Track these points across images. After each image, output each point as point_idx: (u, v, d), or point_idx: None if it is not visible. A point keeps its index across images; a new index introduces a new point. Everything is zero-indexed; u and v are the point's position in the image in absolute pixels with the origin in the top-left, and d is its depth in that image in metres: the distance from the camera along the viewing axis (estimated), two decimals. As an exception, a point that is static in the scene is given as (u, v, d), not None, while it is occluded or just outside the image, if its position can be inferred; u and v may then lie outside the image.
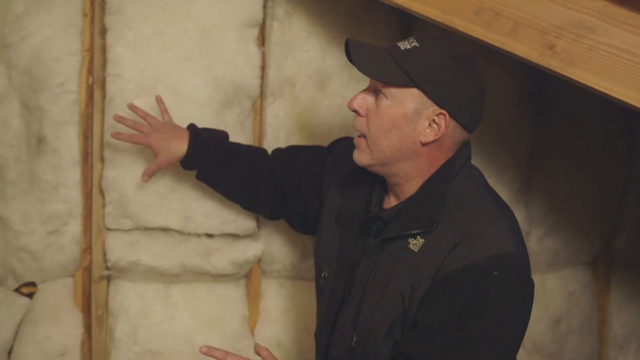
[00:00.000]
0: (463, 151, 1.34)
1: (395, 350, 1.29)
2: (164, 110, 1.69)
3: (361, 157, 1.34)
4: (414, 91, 1.28)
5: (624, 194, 2.23)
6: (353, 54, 1.31)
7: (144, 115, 1.67)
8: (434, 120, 1.29)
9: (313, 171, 1.59)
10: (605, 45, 1.31)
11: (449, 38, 1.80)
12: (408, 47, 1.29)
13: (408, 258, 1.28)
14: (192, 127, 1.66)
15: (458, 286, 1.23)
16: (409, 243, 1.29)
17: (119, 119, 1.66)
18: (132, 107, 1.68)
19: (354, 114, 1.35)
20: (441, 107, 1.28)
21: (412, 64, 1.27)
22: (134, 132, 1.67)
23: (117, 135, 1.66)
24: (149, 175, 1.67)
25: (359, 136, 1.35)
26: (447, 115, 1.28)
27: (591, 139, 2.10)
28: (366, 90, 1.34)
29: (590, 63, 1.32)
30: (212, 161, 1.65)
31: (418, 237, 1.28)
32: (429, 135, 1.29)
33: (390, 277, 1.30)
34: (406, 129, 1.29)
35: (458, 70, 1.28)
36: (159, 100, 1.69)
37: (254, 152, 1.73)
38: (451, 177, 1.31)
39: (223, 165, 1.66)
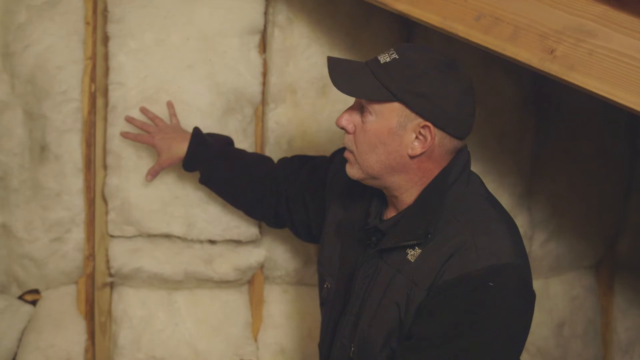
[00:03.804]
0: (459, 159, 1.31)
1: None
2: (172, 114, 1.73)
3: (352, 171, 1.33)
4: (396, 105, 1.26)
5: (627, 197, 2.22)
6: (331, 72, 1.29)
7: (153, 117, 1.71)
8: (420, 133, 1.26)
9: (315, 181, 1.58)
10: (606, 49, 1.31)
11: (449, 44, 1.82)
12: (388, 59, 1.27)
13: (405, 268, 1.27)
14: (195, 129, 1.68)
15: (452, 297, 1.21)
16: (408, 254, 1.28)
17: (130, 120, 1.71)
18: (143, 110, 1.72)
19: None
20: (425, 119, 1.25)
21: (392, 77, 1.25)
22: (143, 132, 1.72)
23: (125, 135, 1.71)
24: (152, 175, 1.72)
25: (348, 150, 1.33)
26: (432, 127, 1.25)
27: (593, 143, 2.10)
28: (352, 108, 1.32)
29: (591, 67, 1.32)
30: (213, 163, 1.66)
31: (416, 247, 1.27)
32: (416, 148, 1.27)
33: (387, 288, 1.29)
34: (392, 144, 1.27)
35: (439, 79, 1.25)
36: (169, 105, 1.73)
37: (258, 159, 1.73)
38: (448, 186, 1.29)
39: (224, 168, 1.67)
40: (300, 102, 1.84)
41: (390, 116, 1.26)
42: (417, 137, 1.27)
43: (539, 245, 2.09)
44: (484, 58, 1.86)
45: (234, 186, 1.70)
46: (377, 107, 1.27)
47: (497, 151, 1.96)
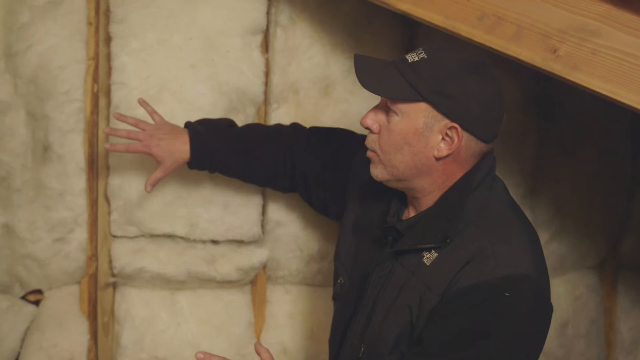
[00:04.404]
0: (484, 163, 1.29)
1: None
2: (152, 111, 1.62)
3: (376, 171, 1.31)
4: (423, 105, 1.24)
5: (630, 197, 2.22)
6: (358, 69, 1.28)
7: (136, 123, 1.60)
8: (446, 134, 1.25)
9: (340, 166, 1.55)
10: (609, 49, 1.31)
11: (452, 44, 1.81)
12: (416, 59, 1.25)
13: (420, 272, 1.25)
14: (190, 127, 1.62)
15: (465, 305, 1.19)
16: (423, 256, 1.25)
17: (111, 132, 1.61)
18: (119, 117, 1.61)
19: (358, 119, 1.34)
20: (452, 120, 1.23)
21: (419, 77, 1.23)
22: (130, 141, 1.62)
23: (112, 147, 1.60)
24: (152, 185, 1.61)
25: (370, 150, 1.31)
26: (459, 128, 1.23)
27: (596, 142, 2.09)
28: (377, 107, 1.30)
29: (594, 67, 1.32)
30: (219, 156, 1.62)
31: (433, 250, 1.25)
32: (442, 149, 1.25)
33: (400, 290, 1.27)
34: (418, 145, 1.25)
35: (467, 80, 1.23)
36: (142, 102, 1.62)
37: (267, 136, 1.66)
38: (470, 190, 1.27)
39: (232, 157, 1.63)
40: (303, 101, 1.84)
41: (417, 116, 1.25)
42: (443, 139, 1.25)
43: (542, 246, 2.06)
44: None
45: (244, 169, 1.66)
46: (403, 107, 1.25)
47: (500, 151, 1.94)
